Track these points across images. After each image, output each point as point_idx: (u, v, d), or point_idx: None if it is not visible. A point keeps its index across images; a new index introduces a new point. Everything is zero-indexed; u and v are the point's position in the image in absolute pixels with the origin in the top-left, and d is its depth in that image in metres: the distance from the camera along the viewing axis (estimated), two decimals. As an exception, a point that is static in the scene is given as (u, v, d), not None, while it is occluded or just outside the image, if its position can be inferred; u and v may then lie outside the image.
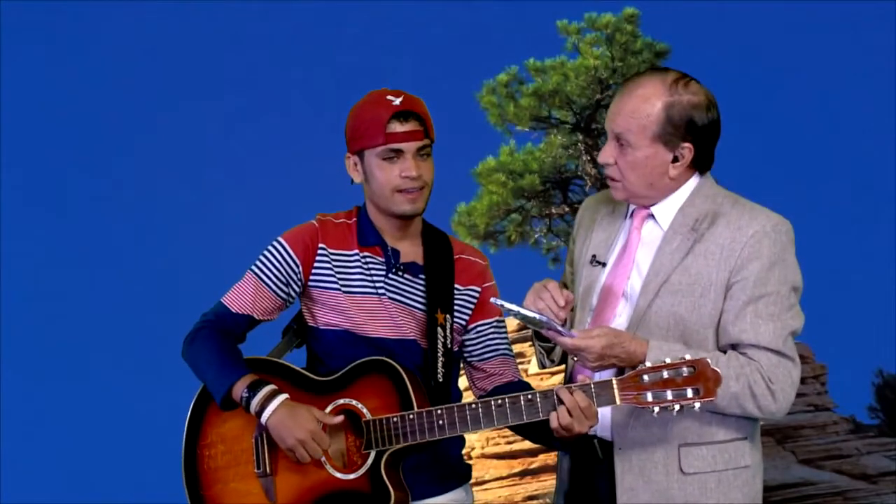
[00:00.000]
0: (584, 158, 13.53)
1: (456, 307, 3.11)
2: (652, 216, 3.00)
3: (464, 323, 3.13)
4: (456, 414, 2.89)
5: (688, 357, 2.78)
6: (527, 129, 13.62)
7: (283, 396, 2.94)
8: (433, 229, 3.16)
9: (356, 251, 3.07)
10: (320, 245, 3.07)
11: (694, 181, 3.00)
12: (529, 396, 2.85)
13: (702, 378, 2.77)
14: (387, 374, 2.96)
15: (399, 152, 3.00)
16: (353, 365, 2.99)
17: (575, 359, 2.92)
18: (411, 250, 3.11)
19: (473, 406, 2.88)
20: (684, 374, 2.78)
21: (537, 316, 2.84)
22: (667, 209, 2.99)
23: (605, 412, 2.96)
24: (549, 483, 12.10)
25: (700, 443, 2.92)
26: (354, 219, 3.11)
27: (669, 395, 2.78)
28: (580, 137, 13.55)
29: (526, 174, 13.42)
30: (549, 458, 12.25)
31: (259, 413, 2.93)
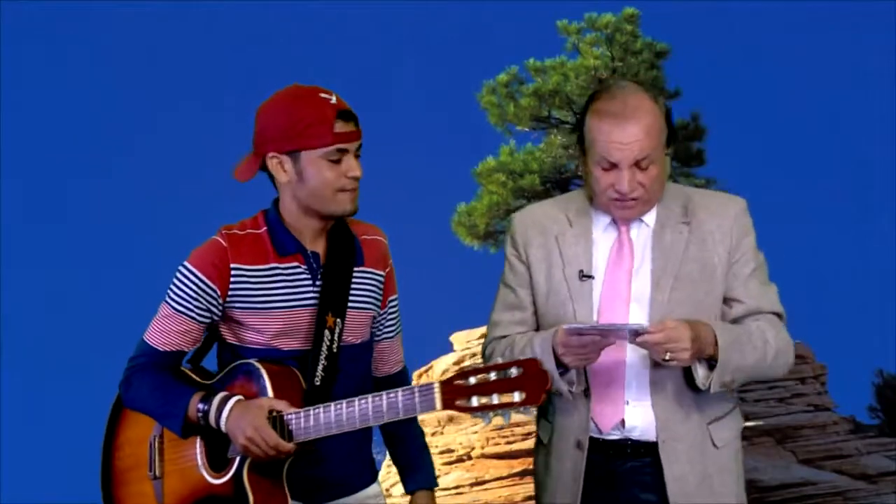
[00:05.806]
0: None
1: (364, 290, 3.02)
2: (638, 218, 3.01)
3: (378, 305, 3.06)
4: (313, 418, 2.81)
5: (521, 358, 2.69)
6: (527, 129, 13.62)
7: (234, 399, 2.86)
8: (339, 224, 3.04)
9: (273, 264, 2.94)
10: (232, 265, 2.91)
11: None
12: (409, 392, 2.74)
13: (527, 382, 2.63)
14: (253, 378, 2.89)
15: (344, 152, 2.90)
16: (229, 368, 2.94)
17: (667, 358, 2.84)
18: (323, 250, 3.00)
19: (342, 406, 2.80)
20: (512, 375, 2.65)
21: (614, 327, 2.82)
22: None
23: (647, 416, 2.96)
24: (549, 483, 12.07)
25: (722, 415, 3.04)
26: (264, 227, 2.97)
27: (496, 399, 2.65)
28: (580, 137, 13.54)
29: (526, 174, 13.41)
30: (549, 458, 12.24)
31: (217, 422, 2.85)
